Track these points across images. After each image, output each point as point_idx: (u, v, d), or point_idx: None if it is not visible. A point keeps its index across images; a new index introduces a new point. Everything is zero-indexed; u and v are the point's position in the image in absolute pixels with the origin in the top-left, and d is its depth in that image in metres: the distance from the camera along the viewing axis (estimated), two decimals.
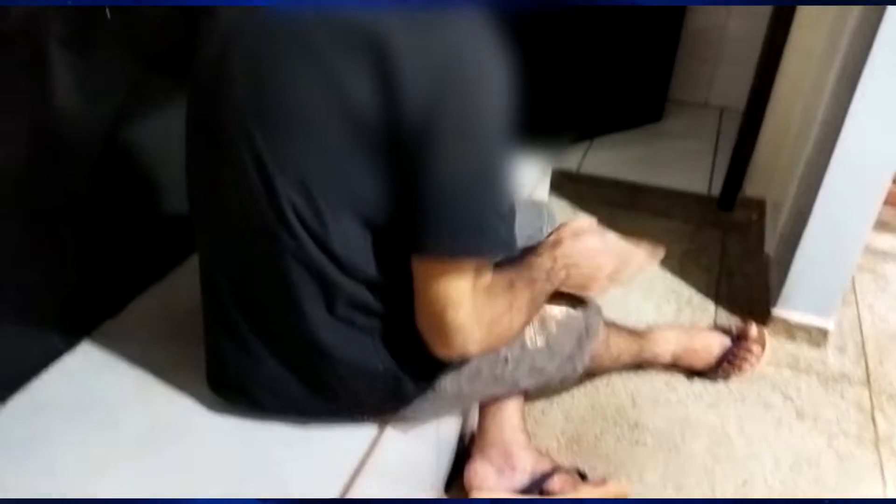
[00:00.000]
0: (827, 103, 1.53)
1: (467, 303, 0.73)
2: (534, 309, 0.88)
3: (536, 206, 1.19)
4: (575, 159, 2.39)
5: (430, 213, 0.69)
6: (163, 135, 1.03)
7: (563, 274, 0.92)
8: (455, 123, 0.66)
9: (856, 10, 1.45)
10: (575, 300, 1.06)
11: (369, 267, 0.76)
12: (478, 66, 0.67)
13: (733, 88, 2.67)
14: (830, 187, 1.38)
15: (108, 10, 0.92)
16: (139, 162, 1.07)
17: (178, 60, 1.01)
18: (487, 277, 0.77)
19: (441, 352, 0.78)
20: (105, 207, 1.01)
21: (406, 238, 0.72)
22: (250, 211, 0.74)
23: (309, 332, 0.79)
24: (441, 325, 0.74)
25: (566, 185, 2.17)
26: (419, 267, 0.73)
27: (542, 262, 0.90)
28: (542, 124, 2.40)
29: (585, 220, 1.00)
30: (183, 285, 1.16)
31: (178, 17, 1.02)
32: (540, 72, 2.21)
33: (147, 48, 1.02)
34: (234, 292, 0.83)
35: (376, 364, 0.83)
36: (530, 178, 1.55)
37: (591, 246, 0.96)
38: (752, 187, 2.08)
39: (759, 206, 2.05)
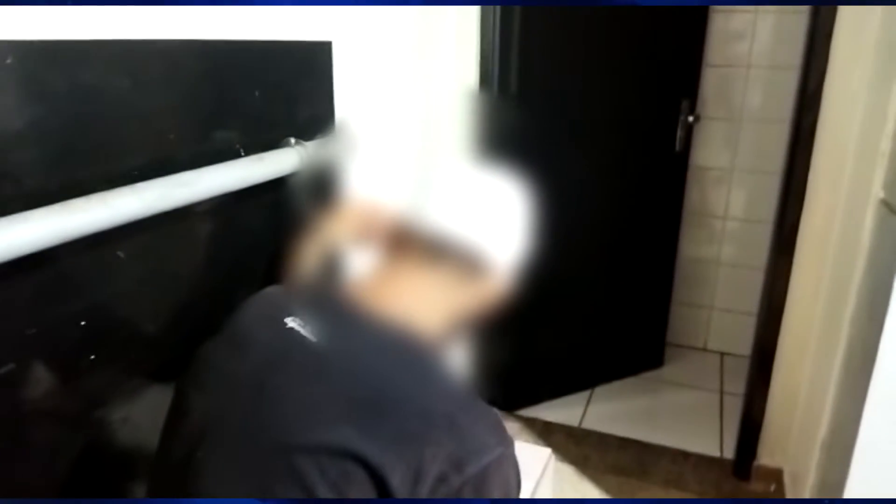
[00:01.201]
0: (839, 371, 1.44)
1: None
2: None
3: None
4: (577, 413, 2.28)
5: None
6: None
7: None
8: None
9: (860, 261, 1.38)
10: None
11: None
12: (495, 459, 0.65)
13: (731, 332, 2.67)
14: (863, 462, 1.22)
15: (83, 322, 0.86)
16: None
17: (166, 379, 0.95)
18: None
19: None
20: None
21: None
22: None
23: None
24: None
25: (569, 447, 2.05)
26: None
27: None
28: (546, 386, 2.36)
29: None
30: None
31: (169, 343, 0.97)
32: (544, 338, 2.20)
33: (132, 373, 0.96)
34: None
35: None
36: (536, 466, 1.44)
37: None
38: (767, 454, 1.95)
39: (777, 476, 1.92)
